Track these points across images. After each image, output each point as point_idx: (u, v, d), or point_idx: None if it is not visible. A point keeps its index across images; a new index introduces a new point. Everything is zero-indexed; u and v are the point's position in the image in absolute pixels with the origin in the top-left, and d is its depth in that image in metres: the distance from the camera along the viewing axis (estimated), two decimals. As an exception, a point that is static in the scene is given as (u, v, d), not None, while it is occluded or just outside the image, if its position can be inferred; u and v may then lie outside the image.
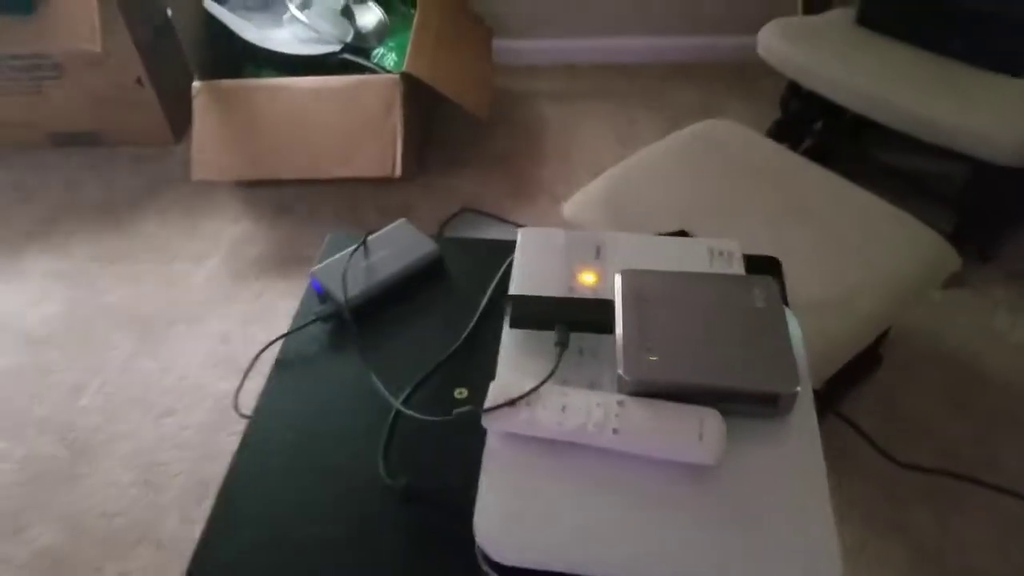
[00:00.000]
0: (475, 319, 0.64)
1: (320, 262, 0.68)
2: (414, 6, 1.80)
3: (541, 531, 0.45)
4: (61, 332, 1.51)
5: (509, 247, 0.63)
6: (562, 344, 0.52)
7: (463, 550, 0.48)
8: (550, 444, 0.49)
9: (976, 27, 1.40)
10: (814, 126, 1.72)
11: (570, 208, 1.23)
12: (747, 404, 0.47)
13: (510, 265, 0.61)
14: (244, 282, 1.59)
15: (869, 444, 1.18)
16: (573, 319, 0.53)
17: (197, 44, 1.64)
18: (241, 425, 1.40)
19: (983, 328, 1.40)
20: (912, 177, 1.61)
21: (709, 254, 0.55)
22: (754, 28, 1.57)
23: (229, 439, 1.31)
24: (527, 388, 0.50)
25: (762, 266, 0.56)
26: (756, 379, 0.46)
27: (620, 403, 0.48)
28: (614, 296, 0.52)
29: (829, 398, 1.23)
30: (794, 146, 1.26)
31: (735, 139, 1.27)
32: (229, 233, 1.71)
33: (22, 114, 1.89)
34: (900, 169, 1.62)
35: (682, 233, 0.71)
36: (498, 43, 2.06)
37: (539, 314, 0.54)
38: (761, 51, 1.54)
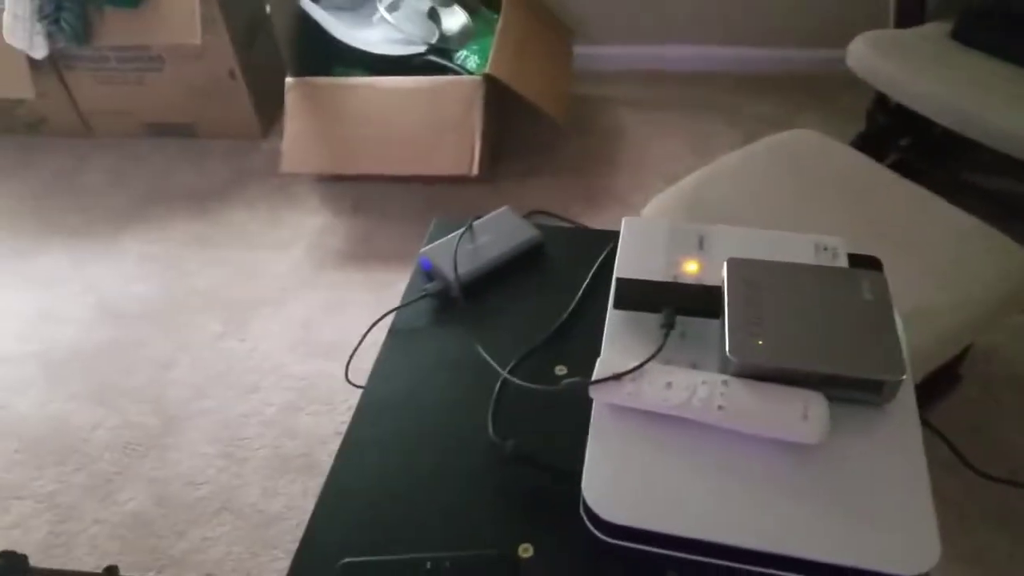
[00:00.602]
0: (576, 300, 0.69)
1: (427, 244, 0.74)
2: (498, 11, 1.87)
3: (647, 494, 0.49)
4: (154, 310, 1.63)
5: (608, 237, 0.67)
6: (668, 325, 0.56)
7: (566, 508, 0.52)
8: (653, 418, 0.52)
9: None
10: (900, 141, 1.71)
11: (648, 214, 1.26)
12: (852, 390, 0.50)
13: (610, 252, 0.66)
14: (323, 271, 1.68)
15: (952, 452, 1.18)
16: (679, 303, 0.57)
17: (291, 41, 1.75)
18: (322, 405, 1.48)
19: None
20: (1000, 197, 1.59)
21: (814, 248, 0.58)
22: (837, 42, 1.58)
23: (309, 419, 1.39)
24: (632, 365, 0.54)
25: (865, 264, 0.59)
26: (862, 365, 0.49)
27: (725, 383, 0.51)
28: (720, 283, 0.56)
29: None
30: (878, 161, 1.26)
31: (819, 149, 1.28)
32: (310, 225, 1.80)
33: (122, 103, 2.04)
34: (988, 188, 1.61)
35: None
36: (577, 48, 2.12)
37: (645, 297, 0.58)
38: (851, 62, 1.55)
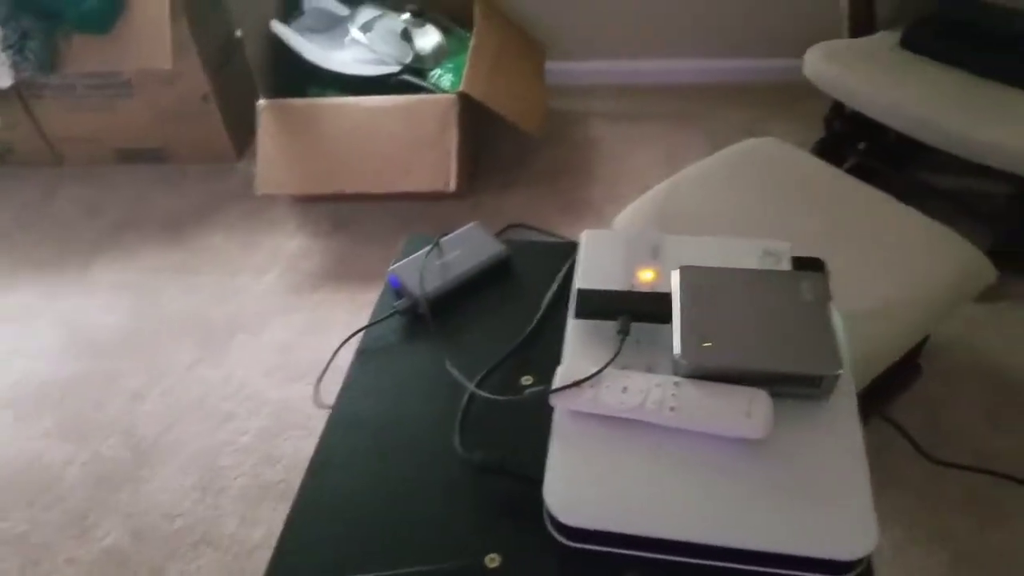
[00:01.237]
0: (540, 312, 0.73)
1: (397, 261, 0.78)
2: (471, 29, 1.93)
3: (605, 496, 0.53)
4: (126, 340, 1.65)
5: (570, 249, 0.71)
6: (624, 332, 0.60)
7: (533, 516, 0.56)
8: (612, 421, 0.56)
9: (1017, 49, 1.49)
10: (857, 146, 1.81)
11: (619, 223, 1.31)
12: (793, 386, 0.54)
13: (571, 265, 0.70)
14: (302, 293, 1.72)
15: (910, 443, 1.25)
16: (634, 310, 0.61)
17: (264, 64, 1.79)
18: (299, 431, 1.50)
19: (1022, 340, 1.47)
20: (953, 196, 1.69)
21: (761, 253, 0.63)
22: (798, 51, 1.65)
23: (287, 444, 1.41)
24: (591, 372, 0.58)
25: (807, 266, 0.64)
26: (801, 362, 0.54)
27: (676, 384, 0.55)
28: (671, 290, 0.60)
29: (871, 403, 1.29)
30: (837, 165, 1.34)
31: (780, 156, 1.35)
32: (288, 247, 1.84)
33: (92, 130, 2.07)
34: (941, 188, 1.70)
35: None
36: (551, 64, 2.19)
37: (603, 306, 0.62)
38: (807, 72, 1.63)
